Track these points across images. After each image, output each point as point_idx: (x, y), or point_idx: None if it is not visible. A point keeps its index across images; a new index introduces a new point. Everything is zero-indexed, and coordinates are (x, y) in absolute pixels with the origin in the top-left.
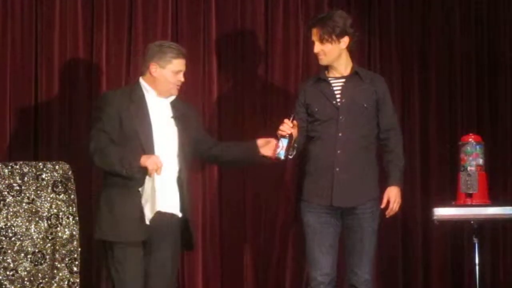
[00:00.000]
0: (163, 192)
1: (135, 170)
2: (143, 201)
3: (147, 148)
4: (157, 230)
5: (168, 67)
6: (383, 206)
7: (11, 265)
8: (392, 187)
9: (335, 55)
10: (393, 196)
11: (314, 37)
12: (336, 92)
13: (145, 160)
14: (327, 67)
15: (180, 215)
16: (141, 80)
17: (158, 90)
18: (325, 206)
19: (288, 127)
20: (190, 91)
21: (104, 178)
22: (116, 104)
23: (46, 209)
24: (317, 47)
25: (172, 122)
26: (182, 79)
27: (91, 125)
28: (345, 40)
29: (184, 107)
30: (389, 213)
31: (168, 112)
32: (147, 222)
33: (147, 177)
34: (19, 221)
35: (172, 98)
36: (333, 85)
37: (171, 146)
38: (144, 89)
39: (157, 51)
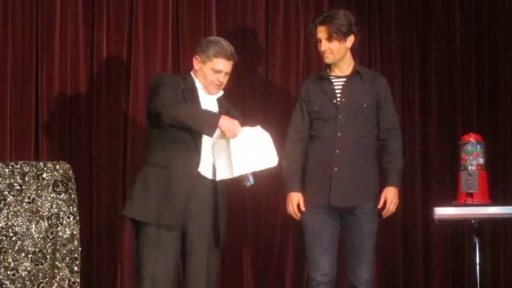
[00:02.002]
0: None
1: (212, 129)
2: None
3: (194, 137)
4: (193, 217)
5: (208, 64)
6: (380, 206)
7: (12, 264)
8: (389, 188)
9: (341, 54)
10: (390, 196)
11: (321, 35)
12: (336, 91)
13: (223, 123)
14: (329, 66)
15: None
16: (192, 72)
17: (201, 83)
18: (324, 206)
19: None
20: None
21: (145, 157)
22: (175, 82)
23: (47, 209)
24: (325, 45)
25: None
26: (222, 80)
27: (156, 93)
28: (351, 39)
29: (229, 106)
30: (386, 213)
31: (215, 107)
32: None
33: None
34: (20, 221)
35: (219, 94)
36: (334, 84)
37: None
38: (194, 80)
39: (204, 45)
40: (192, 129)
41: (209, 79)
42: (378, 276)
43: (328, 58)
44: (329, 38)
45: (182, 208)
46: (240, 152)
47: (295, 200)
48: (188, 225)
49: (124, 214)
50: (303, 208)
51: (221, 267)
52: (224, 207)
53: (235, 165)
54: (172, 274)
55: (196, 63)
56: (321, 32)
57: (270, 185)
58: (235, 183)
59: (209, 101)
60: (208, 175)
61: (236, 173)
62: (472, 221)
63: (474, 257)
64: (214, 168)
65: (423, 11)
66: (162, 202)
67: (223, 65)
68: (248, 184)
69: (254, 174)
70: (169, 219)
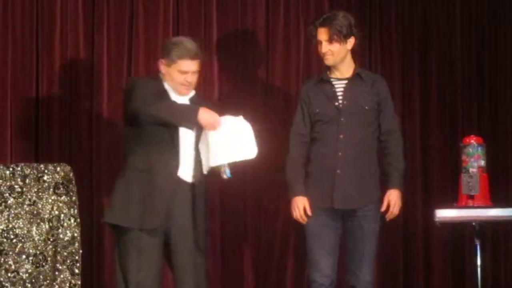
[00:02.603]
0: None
1: (192, 123)
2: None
3: (173, 139)
4: (175, 221)
5: (173, 66)
6: (383, 209)
7: (13, 267)
8: (392, 190)
9: (342, 56)
10: (393, 199)
11: (322, 37)
12: (338, 94)
13: (203, 116)
14: (329, 68)
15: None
16: (160, 74)
17: (171, 86)
18: (326, 208)
19: None
20: None
21: (124, 161)
22: (149, 84)
23: (48, 211)
24: (325, 47)
25: None
26: (189, 80)
27: (132, 96)
28: (351, 41)
29: (203, 104)
30: (389, 216)
31: None
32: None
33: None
34: (21, 223)
35: (191, 95)
36: (335, 86)
37: (192, 141)
38: (164, 82)
39: (167, 48)
40: (171, 125)
41: (177, 81)
42: (378, 278)
43: (329, 60)
44: (330, 40)
45: (164, 212)
46: (218, 142)
47: (301, 204)
48: (170, 230)
49: (106, 220)
50: (309, 212)
51: (222, 269)
52: (203, 210)
53: (213, 155)
54: (156, 279)
55: (162, 67)
56: (322, 34)
57: (271, 186)
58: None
59: (182, 102)
60: (188, 178)
61: (213, 163)
62: (473, 223)
63: (475, 259)
64: (193, 171)
65: (423, 12)
66: (144, 206)
67: (189, 66)
68: (224, 176)
69: (232, 167)
70: (152, 224)
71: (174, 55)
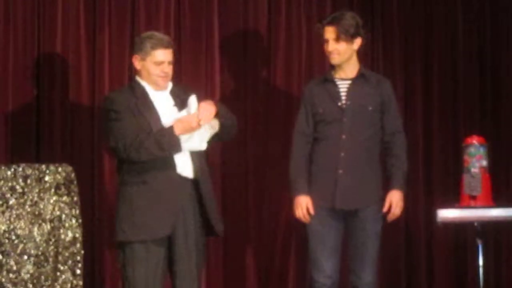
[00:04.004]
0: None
1: (175, 146)
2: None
3: None
4: (179, 223)
5: (148, 59)
6: (385, 210)
7: (14, 267)
8: (394, 191)
9: (347, 55)
10: (395, 200)
11: (329, 35)
12: (341, 94)
13: (179, 129)
14: (333, 68)
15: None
16: (136, 76)
17: (148, 82)
18: (328, 208)
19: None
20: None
21: (119, 177)
22: (124, 102)
23: (49, 212)
24: (332, 46)
25: (176, 110)
26: (166, 70)
27: (108, 128)
28: (358, 41)
29: (182, 93)
30: (391, 217)
31: (170, 101)
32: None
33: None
34: (22, 224)
35: (169, 88)
36: (339, 86)
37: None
38: (142, 84)
39: (139, 43)
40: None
41: (154, 73)
42: (381, 279)
43: (335, 59)
44: (337, 39)
45: (172, 218)
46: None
47: (304, 204)
48: (175, 231)
49: (119, 239)
50: (312, 212)
51: (224, 269)
52: (211, 195)
53: (199, 138)
54: (160, 284)
55: (137, 63)
56: (329, 33)
57: (273, 186)
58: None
59: (162, 99)
60: (189, 174)
61: (205, 145)
62: (475, 224)
63: (477, 260)
64: (193, 164)
65: (426, 13)
66: (151, 217)
67: (163, 55)
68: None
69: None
70: (161, 233)
71: (148, 47)
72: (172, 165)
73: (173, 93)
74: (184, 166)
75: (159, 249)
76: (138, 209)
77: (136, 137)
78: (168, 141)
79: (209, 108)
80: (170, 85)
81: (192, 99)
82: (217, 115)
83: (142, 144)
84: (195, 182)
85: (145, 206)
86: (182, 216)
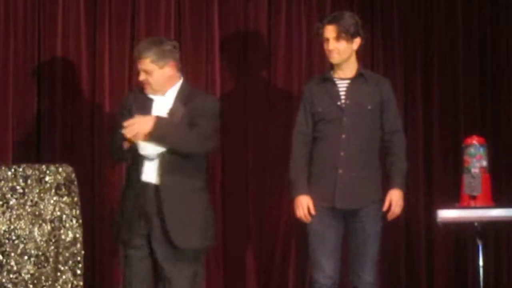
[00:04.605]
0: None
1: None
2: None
3: (136, 144)
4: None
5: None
6: (385, 209)
7: (15, 268)
8: (394, 190)
9: (347, 54)
10: (395, 199)
11: (329, 34)
12: (340, 93)
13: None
14: (333, 67)
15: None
16: None
17: None
18: (328, 208)
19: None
20: None
21: None
22: (127, 104)
23: (50, 212)
24: (332, 44)
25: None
26: (141, 78)
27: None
28: (357, 41)
29: (188, 99)
30: (390, 216)
31: (168, 106)
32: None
33: None
34: (22, 224)
35: (173, 93)
36: (338, 85)
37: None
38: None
39: None
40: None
41: (140, 81)
42: (381, 279)
43: (334, 58)
44: (337, 38)
45: (139, 224)
46: None
47: (305, 203)
48: (151, 240)
49: (114, 241)
50: (313, 211)
51: (224, 269)
52: (173, 205)
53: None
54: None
55: None
56: (330, 31)
57: (273, 186)
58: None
59: (158, 104)
60: (152, 180)
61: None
62: (475, 224)
63: (477, 260)
64: (159, 171)
65: (426, 13)
66: (125, 221)
67: (137, 65)
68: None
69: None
70: (121, 237)
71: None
72: (139, 171)
73: (178, 98)
74: (149, 172)
75: (138, 252)
76: (122, 211)
77: (112, 136)
78: (114, 145)
79: (137, 127)
80: (174, 90)
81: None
82: (152, 134)
83: (109, 143)
84: (156, 186)
85: (124, 208)
86: (147, 222)
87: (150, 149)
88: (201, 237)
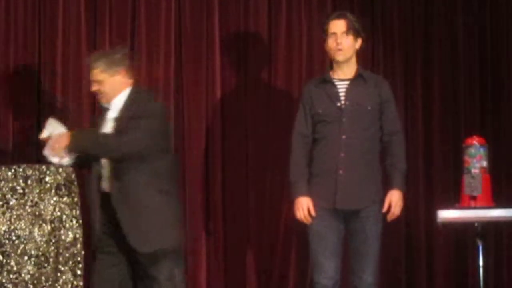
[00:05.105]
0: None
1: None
2: None
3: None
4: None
5: None
6: (384, 210)
7: (15, 268)
8: (393, 191)
9: (351, 53)
10: (394, 200)
11: (337, 29)
12: (340, 94)
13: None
14: (332, 68)
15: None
16: None
17: None
18: (329, 209)
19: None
20: (193, 93)
21: None
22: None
23: (50, 212)
24: (341, 37)
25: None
26: (92, 89)
27: None
28: (360, 41)
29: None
30: (391, 217)
31: (111, 116)
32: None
33: None
34: (23, 224)
35: (118, 103)
36: (337, 86)
37: None
38: None
39: None
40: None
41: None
42: (381, 279)
43: (340, 55)
44: (346, 32)
45: (102, 228)
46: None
47: (305, 204)
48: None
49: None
50: (313, 213)
51: (225, 270)
52: (125, 211)
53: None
54: None
55: None
56: (338, 26)
57: (273, 187)
58: None
59: (108, 114)
60: (105, 188)
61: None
62: (475, 224)
63: (477, 260)
64: (110, 179)
65: (426, 13)
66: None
67: (90, 77)
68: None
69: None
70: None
71: None
72: (100, 177)
73: (125, 104)
74: (104, 180)
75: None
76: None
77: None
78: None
79: (54, 145)
80: (122, 96)
81: (49, 123)
82: (71, 148)
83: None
84: (110, 196)
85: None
86: (110, 228)
87: (55, 159)
88: (159, 239)
